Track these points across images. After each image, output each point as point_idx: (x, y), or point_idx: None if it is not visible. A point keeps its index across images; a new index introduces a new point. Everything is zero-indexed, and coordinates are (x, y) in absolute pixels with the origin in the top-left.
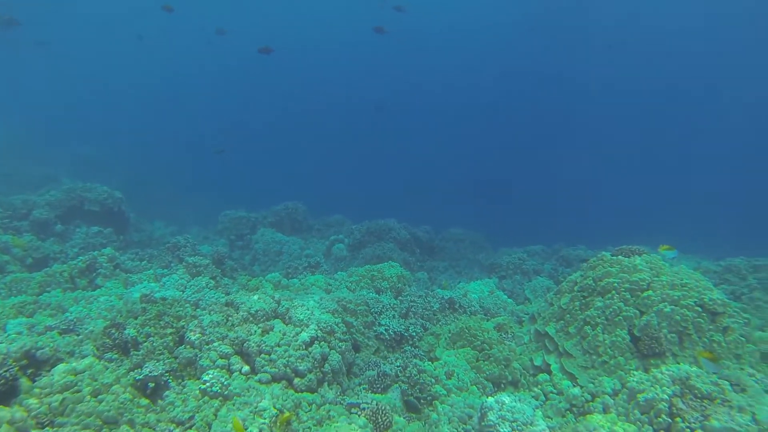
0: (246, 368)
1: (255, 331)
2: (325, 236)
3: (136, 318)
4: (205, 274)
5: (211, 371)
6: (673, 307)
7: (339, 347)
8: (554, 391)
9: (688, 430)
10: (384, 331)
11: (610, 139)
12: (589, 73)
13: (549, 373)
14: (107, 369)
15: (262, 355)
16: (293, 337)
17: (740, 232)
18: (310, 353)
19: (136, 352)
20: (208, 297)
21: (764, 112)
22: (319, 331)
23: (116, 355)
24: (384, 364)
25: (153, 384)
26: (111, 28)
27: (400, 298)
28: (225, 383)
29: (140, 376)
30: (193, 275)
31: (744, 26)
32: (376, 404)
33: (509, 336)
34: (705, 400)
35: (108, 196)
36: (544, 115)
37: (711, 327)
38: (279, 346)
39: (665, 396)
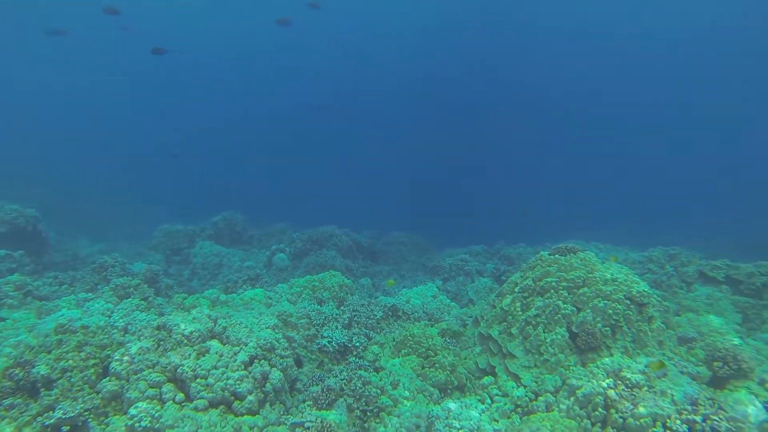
0: (180, 396)
1: (190, 355)
2: (266, 246)
3: (49, 352)
4: (135, 295)
5: (139, 404)
6: (606, 302)
7: (280, 364)
8: (499, 393)
9: (621, 419)
10: (327, 344)
11: (544, 137)
12: (526, 71)
13: (494, 375)
14: (3, 420)
15: (198, 380)
16: (231, 357)
17: (662, 222)
18: (249, 373)
19: (47, 393)
20: (138, 321)
21: (684, 109)
22: (259, 349)
23: (20, 400)
24: (328, 378)
25: (68, 428)
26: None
27: (342, 307)
28: (155, 415)
29: (50, 421)
30: (122, 297)
31: (646, 22)
32: (321, 422)
33: (454, 341)
34: (634, 389)
35: (18, 214)
36: (481, 115)
37: (639, 318)
38: (216, 368)
39: (600, 389)
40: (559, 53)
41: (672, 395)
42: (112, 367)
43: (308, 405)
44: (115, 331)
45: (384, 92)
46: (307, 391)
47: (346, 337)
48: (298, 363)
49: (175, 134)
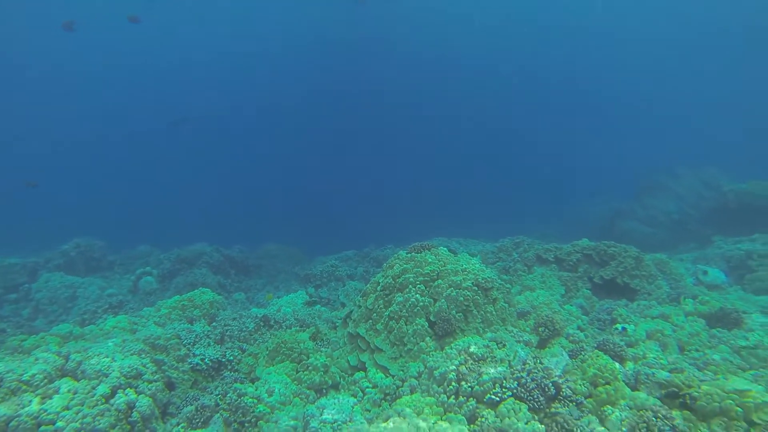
0: None
1: (30, 402)
2: (130, 270)
3: None
4: None
5: None
6: (457, 290)
7: (149, 390)
8: (370, 385)
9: (470, 388)
10: (200, 362)
11: (411, 143)
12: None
13: (365, 370)
14: None
15: (43, 428)
16: (88, 393)
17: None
18: (112, 405)
19: None
20: None
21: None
22: (123, 378)
23: None
24: (203, 396)
25: None
26: None
27: (213, 324)
28: None
29: None
30: None
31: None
32: None
33: (325, 342)
34: (480, 362)
35: None
36: (351, 124)
37: (485, 301)
38: (68, 408)
39: (453, 367)
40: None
41: (509, 361)
42: None
43: (182, 427)
44: None
45: (250, 105)
46: (180, 413)
47: (219, 353)
48: (170, 386)
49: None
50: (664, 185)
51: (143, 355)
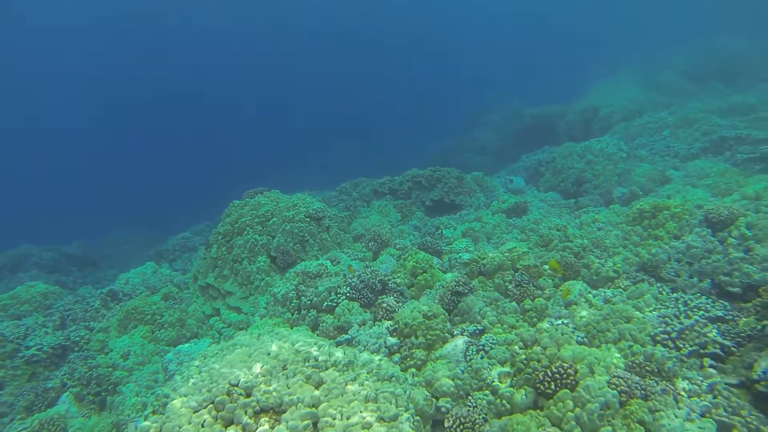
0: None
1: None
2: None
3: None
4: None
5: None
6: (291, 224)
7: None
8: (224, 325)
9: (309, 301)
10: (36, 351)
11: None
12: None
13: (218, 314)
14: None
15: None
16: None
17: None
18: None
19: None
20: None
21: None
22: None
23: None
24: (46, 383)
25: None
26: None
27: (49, 311)
28: None
29: None
30: None
31: None
32: (38, 422)
33: (178, 301)
34: (316, 278)
35: None
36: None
37: (319, 230)
38: None
39: (292, 287)
40: None
41: (344, 274)
42: None
43: (20, 419)
44: None
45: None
46: (16, 407)
47: (62, 337)
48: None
49: None
50: (485, 119)
51: None
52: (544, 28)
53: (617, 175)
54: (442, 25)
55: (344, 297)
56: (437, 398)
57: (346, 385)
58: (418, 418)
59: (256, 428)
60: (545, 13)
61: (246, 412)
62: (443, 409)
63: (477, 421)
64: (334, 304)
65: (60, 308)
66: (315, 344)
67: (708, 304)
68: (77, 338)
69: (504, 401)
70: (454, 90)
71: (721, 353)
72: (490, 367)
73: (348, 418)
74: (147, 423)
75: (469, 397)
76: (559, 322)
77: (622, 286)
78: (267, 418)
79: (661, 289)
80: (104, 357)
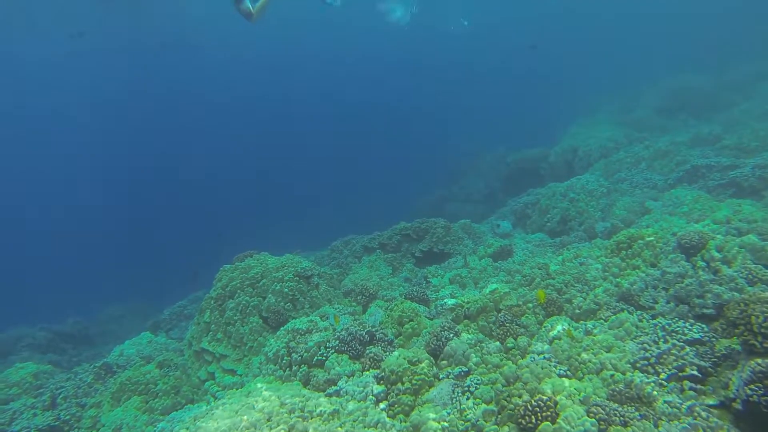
0: None
1: None
2: None
3: None
4: None
5: None
6: (281, 284)
7: None
8: (219, 388)
9: (299, 357)
10: None
11: None
12: None
13: (213, 378)
14: None
15: None
16: None
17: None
18: None
19: None
20: None
21: None
22: None
23: None
24: None
25: None
26: None
27: (38, 391)
28: None
29: None
30: None
31: None
32: None
33: (173, 367)
34: (306, 334)
35: None
36: None
37: (308, 288)
38: None
39: (282, 344)
40: None
41: (334, 328)
42: None
43: None
44: None
45: None
46: None
47: (51, 417)
48: None
49: None
50: (472, 167)
51: None
52: (525, 75)
53: (600, 210)
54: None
55: (333, 350)
56: None
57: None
58: None
59: None
60: (526, 64)
61: None
62: None
63: None
64: (324, 357)
65: (51, 387)
66: (301, 396)
67: (686, 327)
68: (68, 417)
69: None
70: (440, 140)
71: (699, 375)
72: (475, 406)
73: None
74: None
75: None
76: (541, 357)
77: (603, 317)
78: None
79: (641, 317)
80: None
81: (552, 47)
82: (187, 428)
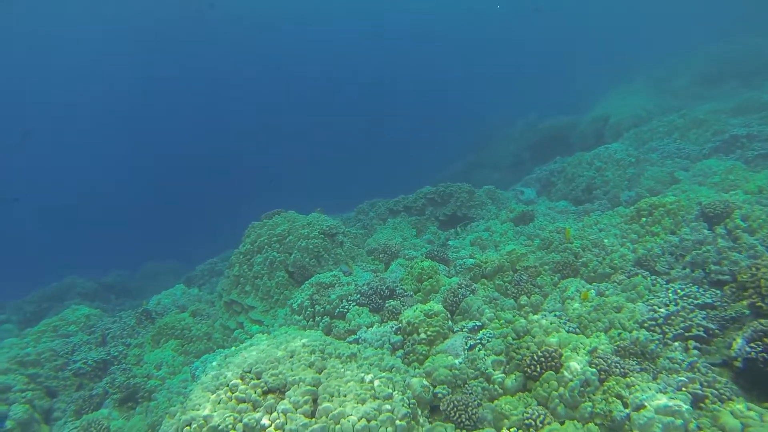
0: None
1: None
2: None
3: None
4: None
5: None
6: (306, 240)
7: (23, 398)
8: (247, 337)
9: (322, 308)
10: (82, 365)
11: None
12: None
13: (242, 327)
14: None
15: None
16: None
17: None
18: None
19: None
20: None
21: None
22: None
23: None
24: (92, 391)
25: None
26: None
27: (91, 329)
28: None
29: None
30: None
31: None
32: (87, 422)
33: (205, 317)
34: (329, 288)
35: None
36: None
37: (333, 245)
38: None
39: (306, 296)
40: None
41: (355, 282)
42: None
43: (70, 420)
44: None
45: None
46: (67, 412)
47: (104, 352)
48: (52, 394)
49: None
50: (504, 134)
51: (9, 373)
52: (564, 41)
53: (626, 179)
54: (458, 42)
55: (354, 303)
56: (435, 386)
57: (346, 371)
58: (413, 401)
59: (264, 403)
60: (567, 25)
61: (255, 392)
62: (440, 395)
63: (470, 404)
64: (345, 310)
65: (101, 328)
66: (322, 341)
67: (698, 292)
68: (116, 353)
69: (496, 386)
70: (474, 104)
71: (705, 335)
72: (486, 357)
73: (344, 395)
74: (175, 408)
75: (466, 386)
76: (552, 315)
77: (617, 281)
78: (273, 396)
79: (655, 281)
80: (140, 368)
81: (591, 19)
82: (219, 363)
